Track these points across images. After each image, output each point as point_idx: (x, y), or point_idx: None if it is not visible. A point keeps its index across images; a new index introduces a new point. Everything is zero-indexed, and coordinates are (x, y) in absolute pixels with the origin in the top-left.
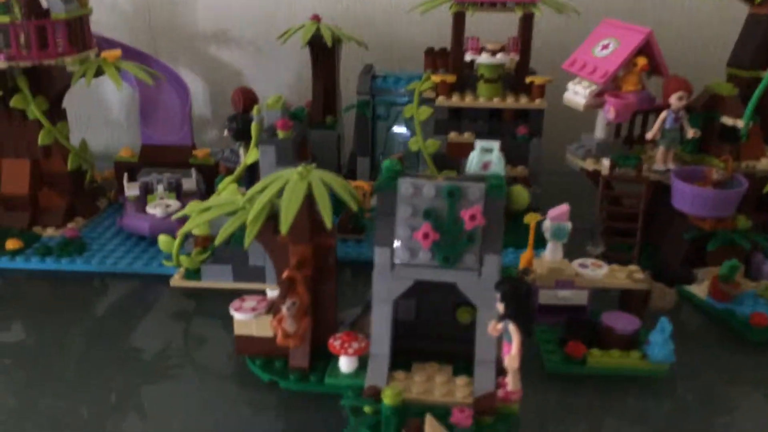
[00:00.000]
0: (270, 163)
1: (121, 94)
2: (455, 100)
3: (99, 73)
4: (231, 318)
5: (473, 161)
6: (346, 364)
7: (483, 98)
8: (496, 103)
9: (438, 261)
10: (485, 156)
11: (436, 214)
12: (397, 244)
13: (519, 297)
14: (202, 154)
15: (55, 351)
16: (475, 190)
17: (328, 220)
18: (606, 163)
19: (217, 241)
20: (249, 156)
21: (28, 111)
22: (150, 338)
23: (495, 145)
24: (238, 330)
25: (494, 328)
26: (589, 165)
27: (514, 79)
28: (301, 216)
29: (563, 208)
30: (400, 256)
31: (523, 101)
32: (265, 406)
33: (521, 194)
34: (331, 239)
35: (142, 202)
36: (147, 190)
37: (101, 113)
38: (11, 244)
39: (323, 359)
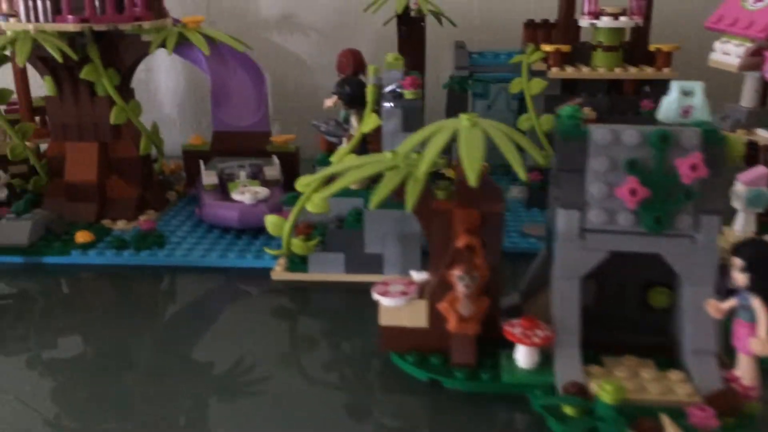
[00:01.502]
0: (394, 128)
1: (171, 85)
2: (570, 72)
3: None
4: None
5: (671, 107)
6: (525, 357)
7: (602, 68)
8: (618, 73)
9: (645, 225)
10: (685, 100)
11: (643, 166)
12: (591, 203)
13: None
14: (281, 140)
15: (142, 350)
16: (691, 135)
17: (521, 171)
18: (765, 133)
19: (373, 205)
20: (366, 123)
21: (97, 85)
22: (251, 338)
23: (698, 86)
24: (385, 320)
25: (717, 308)
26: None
27: (631, 47)
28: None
29: (760, 171)
30: (593, 221)
31: (649, 71)
32: (420, 414)
33: (737, 143)
34: (502, 203)
35: (221, 191)
36: (227, 179)
37: (150, 105)
38: (82, 236)
39: (485, 353)
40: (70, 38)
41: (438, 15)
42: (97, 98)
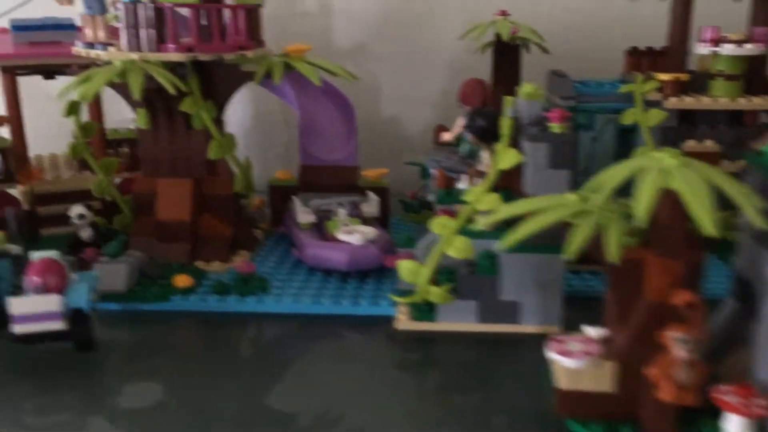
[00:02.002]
0: (540, 164)
1: (237, 116)
2: (690, 102)
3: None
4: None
5: None
6: (741, 429)
7: (725, 99)
8: (742, 104)
9: None
10: None
11: None
12: None
13: None
14: (374, 175)
15: (237, 403)
16: None
17: (758, 217)
18: None
19: (570, 253)
20: (504, 158)
21: (194, 118)
22: (379, 395)
23: None
24: (565, 382)
25: None
26: None
27: (749, 76)
28: (674, 218)
29: None
30: None
31: None
32: None
33: None
34: (702, 251)
35: (317, 229)
36: (323, 216)
37: None
38: (181, 281)
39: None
40: (171, 68)
41: (529, 43)
42: (192, 132)
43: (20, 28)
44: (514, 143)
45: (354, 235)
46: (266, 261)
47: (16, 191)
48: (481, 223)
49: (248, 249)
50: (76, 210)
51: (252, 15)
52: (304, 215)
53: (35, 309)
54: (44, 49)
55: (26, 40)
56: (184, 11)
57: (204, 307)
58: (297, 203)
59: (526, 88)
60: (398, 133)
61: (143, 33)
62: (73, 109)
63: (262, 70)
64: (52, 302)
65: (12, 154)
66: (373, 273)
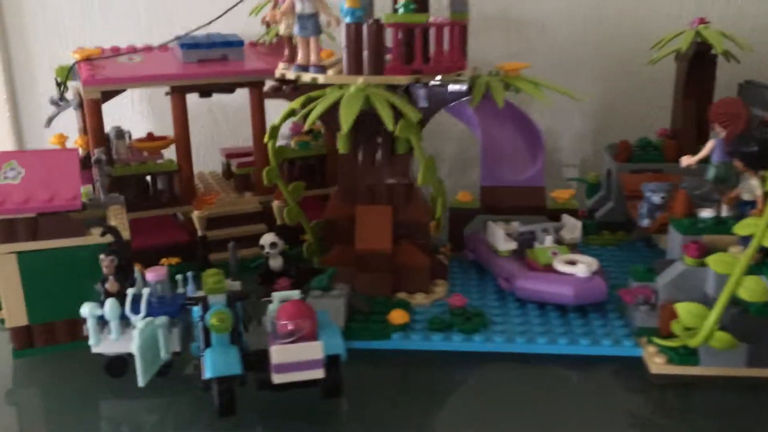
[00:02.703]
0: None
1: None
2: None
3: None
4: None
5: None
6: None
7: None
8: None
9: None
10: None
11: None
12: None
13: None
14: (564, 197)
15: None
16: None
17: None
18: None
19: None
20: None
21: (398, 142)
22: None
23: None
24: None
25: None
26: None
27: None
28: None
29: None
30: None
31: None
32: None
33: None
34: None
35: (518, 257)
36: (523, 243)
37: None
38: (399, 317)
39: None
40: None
41: (747, 50)
42: (395, 156)
43: (190, 46)
44: None
45: (578, 266)
46: (468, 292)
47: (181, 215)
48: None
49: (442, 277)
50: (267, 238)
51: (464, 32)
52: (504, 242)
53: (298, 357)
54: (214, 68)
55: (195, 58)
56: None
57: (428, 347)
58: (495, 228)
59: None
60: (549, 145)
61: (366, 55)
62: (273, 133)
63: (479, 90)
64: (315, 350)
65: (179, 176)
66: (593, 307)
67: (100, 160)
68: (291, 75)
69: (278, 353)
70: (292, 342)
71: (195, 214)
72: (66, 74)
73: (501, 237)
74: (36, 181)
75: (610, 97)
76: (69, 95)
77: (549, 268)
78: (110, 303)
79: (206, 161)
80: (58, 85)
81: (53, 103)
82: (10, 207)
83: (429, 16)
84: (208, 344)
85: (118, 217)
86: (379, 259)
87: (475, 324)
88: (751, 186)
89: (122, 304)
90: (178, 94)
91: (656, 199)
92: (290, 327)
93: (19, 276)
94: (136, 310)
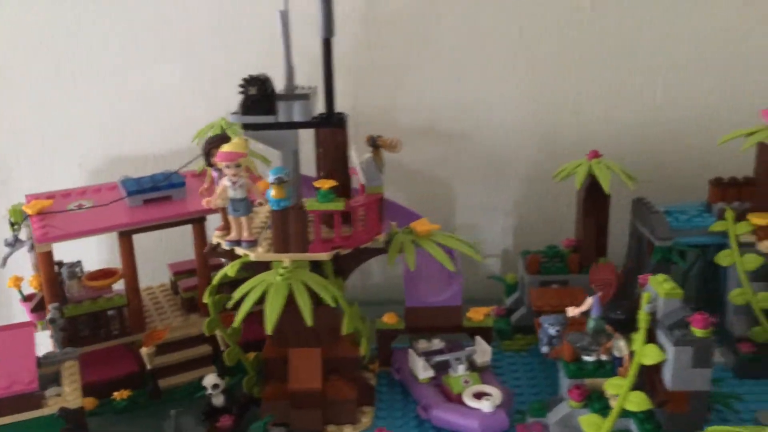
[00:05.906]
0: (684, 365)
1: None
2: None
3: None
4: None
5: None
6: None
7: None
8: None
9: None
10: None
11: None
12: None
13: None
14: (478, 316)
15: None
16: None
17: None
18: None
19: None
20: (646, 355)
21: (324, 294)
22: None
23: None
24: None
25: None
26: None
27: None
28: None
29: None
30: None
31: None
32: None
33: None
34: None
35: (435, 384)
36: (438, 369)
37: None
38: None
39: None
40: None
41: (629, 181)
42: (321, 307)
43: (135, 192)
44: (651, 337)
45: (482, 402)
46: (393, 418)
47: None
48: None
49: (369, 404)
50: (209, 380)
51: (380, 203)
52: (423, 371)
53: None
54: (159, 211)
55: (140, 201)
56: None
57: None
58: (414, 357)
59: (665, 285)
60: (472, 237)
61: (291, 236)
62: (212, 291)
63: (394, 252)
64: None
65: (129, 309)
66: None
67: (54, 320)
68: (225, 246)
69: None
70: None
71: (143, 351)
72: (19, 218)
73: (420, 366)
74: None
75: (532, 200)
76: (23, 235)
77: (460, 398)
78: None
79: (155, 275)
80: (12, 225)
81: (8, 244)
82: None
83: (344, 203)
84: None
85: (72, 375)
86: (310, 398)
87: None
88: (619, 346)
89: None
90: (126, 237)
91: (552, 331)
92: None
93: None
94: None
